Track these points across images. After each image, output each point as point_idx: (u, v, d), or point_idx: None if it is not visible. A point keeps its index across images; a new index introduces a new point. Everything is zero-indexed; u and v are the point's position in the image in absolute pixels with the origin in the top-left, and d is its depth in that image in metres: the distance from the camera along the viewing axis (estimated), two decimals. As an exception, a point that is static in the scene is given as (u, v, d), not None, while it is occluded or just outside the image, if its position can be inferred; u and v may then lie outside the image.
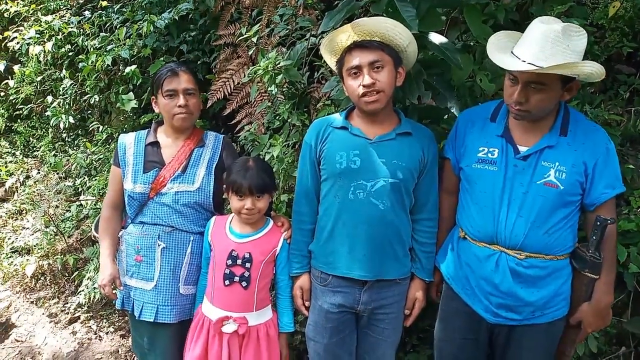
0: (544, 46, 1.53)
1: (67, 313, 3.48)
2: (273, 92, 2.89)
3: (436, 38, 2.04)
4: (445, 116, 2.27)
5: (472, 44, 2.43)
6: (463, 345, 1.84)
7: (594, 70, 1.54)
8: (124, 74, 3.75)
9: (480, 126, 1.79)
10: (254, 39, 3.14)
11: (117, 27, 3.95)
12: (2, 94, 4.94)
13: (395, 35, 1.79)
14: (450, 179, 1.91)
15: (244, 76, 3.39)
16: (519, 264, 1.67)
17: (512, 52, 1.63)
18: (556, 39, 1.53)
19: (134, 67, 3.69)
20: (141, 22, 3.71)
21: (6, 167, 4.88)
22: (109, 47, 3.83)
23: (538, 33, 1.56)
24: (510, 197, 1.67)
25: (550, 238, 1.65)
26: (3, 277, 3.92)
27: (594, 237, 1.62)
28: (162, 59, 3.73)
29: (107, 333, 3.28)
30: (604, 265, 1.65)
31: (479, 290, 1.75)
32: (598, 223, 1.61)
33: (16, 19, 4.75)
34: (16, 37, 4.45)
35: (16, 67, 4.60)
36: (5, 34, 4.59)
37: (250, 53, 3.42)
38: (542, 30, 1.55)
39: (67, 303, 3.58)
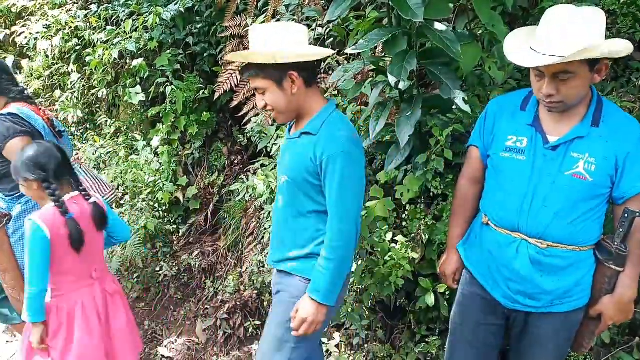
0: (563, 34, 1.50)
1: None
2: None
3: (440, 27, 2.01)
4: (453, 107, 2.25)
5: (480, 32, 2.40)
6: (477, 330, 1.85)
7: (619, 47, 1.51)
8: (131, 67, 3.76)
9: (510, 114, 1.76)
10: (260, 30, 3.12)
11: (124, 20, 3.94)
12: (11, 88, 4.96)
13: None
14: (476, 167, 1.88)
15: (251, 68, 3.38)
16: (540, 252, 1.66)
17: (531, 47, 1.59)
18: (573, 24, 1.49)
19: (140, 60, 3.69)
20: (147, 14, 3.71)
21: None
22: (115, 41, 3.83)
23: (554, 22, 1.52)
24: (536, 187, 1.65)
25: (575, 229, 1.63)
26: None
27: (621, 230, 1.60)
28: (168, 51, 3.73)
29: (118, 325, 3.31)
30: (629, 258, 1.62)
31: (499, 276, 1.75)
32: (626, 215, 1.59)
33: (23, 14, 4.76)
34: (24, 32, 4.47)
35: (24, 62, 4.62)
36: (13, 29, 4.60)
37: (256, 44, 3.41)
38: (558, 18, 1.52)
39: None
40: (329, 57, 2.97)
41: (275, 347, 1.83)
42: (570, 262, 1.66)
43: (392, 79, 1.94)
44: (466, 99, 2.06)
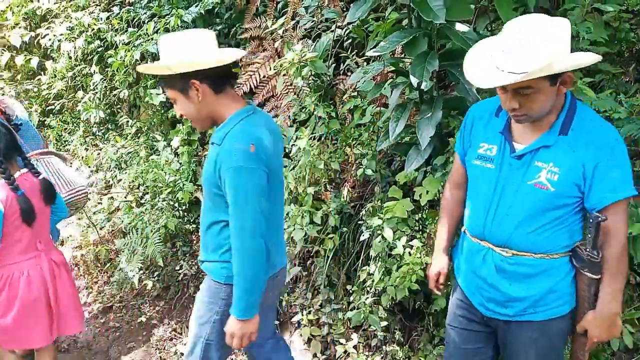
0: (520, 51, 1.44)
1: (100, 303, 3.57)
2: (299, 85, 2.90)
3: (461, 28, 2.01)
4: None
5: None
6: (463, 335, 1.87)
7: (583, 60, 1.48)
8: (152, 68, 3.81)
9: (485, 121, 1.74)
10: (280, 32, 3.15)
11: (145, 22, 4.00)
12: (36, 89, 5.07)
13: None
14: (459, 172, 1.88)
15: (270, 69, 3.41)
16: (504, 260, 1.65)
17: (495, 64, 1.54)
18: (530, 40, 1.43)
19: (161, 61, 3.74)
20: (168, 16, 3.76)
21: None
22: (137, 42, 3.90)
23: (512, 37, 1.47)
24: (501, 196, 1.64)
25: (539, 238, 1.61)
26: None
27: (589, 235, 1.56)
28: (189, 53, 3.77)
29: (139, 323, 3.36)
30: (606, 270, 1.56)
31: (473, 283, 1.76)
32: (591, 220, 1.55)
33: (48, 16, 4.86)
34: (48, 34, 4.57)
35: (48, 63, 4.72)
36: (38, 31, 4.70)
37: (275, 46, 3.43)
38: (516, 33, 1.46)
39: (100, 293, 3.67)
40: (349, 58, 2.98)
41: (192, 342, 1.94)
42: (539, 270, 1.63)
43: (414, 80, 1.95)
44: (479, 98, 2.05)
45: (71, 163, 2.89)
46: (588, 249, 1.57)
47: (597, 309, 1.59)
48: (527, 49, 1.43)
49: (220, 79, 1.73)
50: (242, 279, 1.70)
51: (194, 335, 1.95)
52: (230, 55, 1.77)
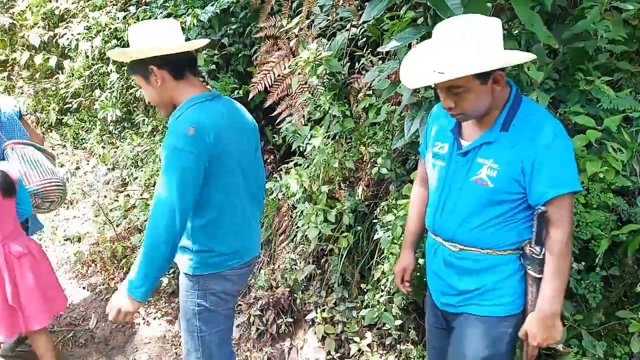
0: (444, 51, 1.47)
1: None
2: (314, 83, 2.91)
3: (481, 26, 2.00)
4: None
5: (516, 31, 2.37)
6: (433, 333, 1.92)
7: (504, 60, 1.47)
8: (168, 67, 3.85)
9: (442, 120, 1.76)
10: (295, 31, 3.16)
11: (161, 21, 4.05)
12: (53, 88, 5.15)
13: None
14: (423, 169, 1.92)
15: (285, 68, 3.42)
16: (452, 255, 1.69)
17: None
18: (458, 41, 1.45)
19: (177, 60, 3.78)
20: (185, 15, 3.79)
21: (58, 158, 5.11)
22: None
23: (439, 37, 1.49)
24: (448, 192, 1.68)
25: (483, 234, 1.61)
26: (57, 263, 4.11)
27: (533, 229, 1.55)
28: (204, 52, 3.81)
29: (154, 319, 3.40)
30: (546, 268, 1.53)
31: (430, 278, 1.82)
32: (533, 212, 1.55)
33: (66, 16, 4.94)
34: (66, 34, 4.64)
35: (66, 63, 4.79)
36: (56, 30, 4.77)
37: (290, 45, 3.44)
38: (442, 34, 1.48)
39: (117, 289, 3.72)
40: (364, 57, 2.98)
41: (185, 339, 2.01)
42: (486, 265, 1.63)
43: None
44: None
45: (54, 159, 2.91)
46: (532, 244, 1.57)
47: (537, 308, 1.57)
48: (450, 50, 1.46)
49: (179, 65, 1.82)
50: (143, 252, 1.73)
51: (185, 331, 2.00)
52: (185, 44, 1.84)
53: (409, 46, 2.23)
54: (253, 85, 3.59)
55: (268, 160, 3.85)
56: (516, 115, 1.57)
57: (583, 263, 2.12)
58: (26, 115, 5.32)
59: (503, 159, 1.56)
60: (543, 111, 1.60)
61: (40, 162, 2.74)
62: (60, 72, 4.98)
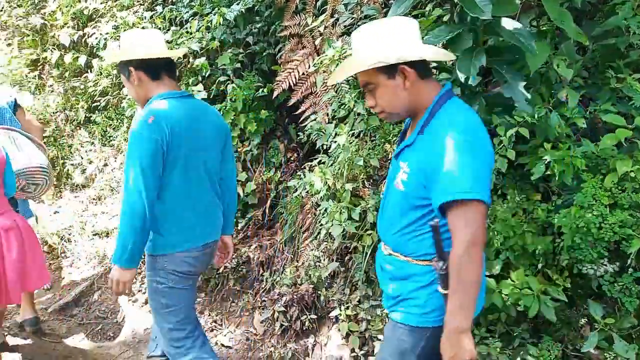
0: (354, 49, 1.59)
1: (144, 293, 3.69)
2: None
3: (509, 23, 1.98)
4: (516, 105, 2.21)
5: (544, 28, 2.34)
6: None
7: (404, 54, 1.50)
8: (194, 66, 3.90)
9: (404, 124, 1.80)
10: (320, 29, 3.16)
11: (187, 20, 4.10)
12: (82, 86, 5.25)
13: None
14: None
15: (309, 66, 3.43)
16: (384, 259, 1.71)
17: None
18: (358, 40, 1.57)
19: (203, 59, 3.83)
20: (211, 14, 3.84)
21: (87, 155, 5.23)
22: (179, 41, 3.99)
23: (353, 40, 1.60)
24: (385, 195, 1.71)
25: (402, 239, 1.61)
26: (86, 257, 4.22)
27: (432, 241, 1.48)
28: (229, 50, 3.85)
29: (180, 313, 3.46)
30: (450, 282, 1.43)
31: None
32: (429, 225, 1.48)
33: (94, 16, 5.03)
34: (94, 33, 4.73)
35: (95, 61, 4.88)
36: (85, 30, 4.88)
37: (315, 43, 3.45)
38: (354, 34, 1.59)
39: (144, 283, 3.80)
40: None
41: (155, 317, 2.27)
42: (405, 273, 1.62)
43: (461, 76, 1.93)
44: (529, 98, 2.02)
45: (44, 150, 3.05)
46: (436, 259, 1.50)
47: (444, 323, 1.47)
48: (355, 49, 1.58)
49: (155, 68, 2.14)
50: (120, 229, 2.01)
51: (153, 310, 2.26)
52: (156, 52, 2.15)
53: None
54: (277, 84, 3.61)
55: (292, 158, 3.87)
56: (434, 117, 1.54)
57: (617, 263, 2.09)
58: (56, 112, 5.45)
59: (413, 163, 1.55)
60: (458, 114, 1.52)
61: (26, 147, 2.89)
62: (89, 70, 5.08)
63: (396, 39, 1.53)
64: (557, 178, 2.10)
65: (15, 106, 3.29)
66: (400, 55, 1.51)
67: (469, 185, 1.39)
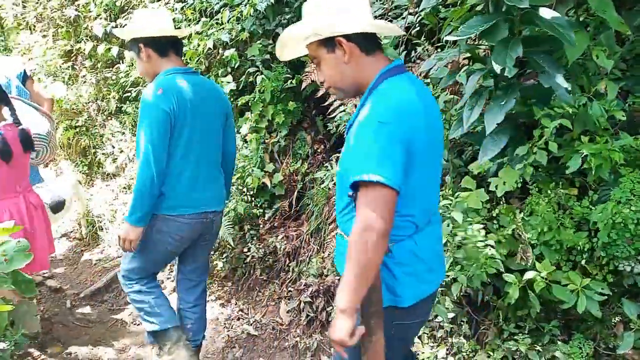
0: (300, 22, 1.59)
1: (172, 281, 3.76)
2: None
3: (547, 13, 1.93)
4: (553, 96, 2.16)
5: (582, 18, 2.27)
6: None
7: (338, 28, 1.46)
8: (223, 57, 3.92)
9: None
10: (350, 20, 3.13)
11: (217, 11, 4.12)
12: (114, 77, 5.34)
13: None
14: None
15: (338, 57, 3.41)
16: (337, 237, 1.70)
17: None
18: (305, 11, 1.57)
19: (232, 50, 3.84)
20: (242, 5, 3.85)
21: (118, 144, 5.33)
22: (209, 32, 4.02)
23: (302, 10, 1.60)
24: None
25: (344, 219, 1.59)
26: (116, 245, 4.31)
27: None
28: (259, 42, 3.85)
29: (207, 301, 3.50)
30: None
31: None
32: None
33: (126, 7, 5.11)
34: (126, 25, 4.79)
35: (126, 52, 4.95)
36: (117, 22, 4.95)
37: (344, 34, 3.43)
38: (303, 6, 1.59)
39: (172, 271, 3.86)
40: (420, 45, 2.93)
41: (123, 259, 2.52)
42: (345, 252, 1.52)
43: (496, 67, 1.90)
44: (569, 88, 1.97)
45: (52, 120, 3.17)
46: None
47: None
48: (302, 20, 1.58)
49: (163, 45, 2.31)
50: (135, 187, 2.22)
51: (125, 254, 2.49)
52: (163, 29, 2.30)
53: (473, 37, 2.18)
54: (306, 75, 3.61)
55: (319, 150, 3.87)
56: (372, 95, 1.49)
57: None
58: (88, 102, 5.56)
59: (347, 142, 1.55)
60: (384, 93, 1.47)
61: (27, 115, 2.96)
62: (120, 61, 5.16)
63: (336, 10, 1.49)
64: (593, 172, 2.05)
65: (25, 77, 3.40)
66: (335, 28, 1.47)
67: (371, 167, 1.35)
